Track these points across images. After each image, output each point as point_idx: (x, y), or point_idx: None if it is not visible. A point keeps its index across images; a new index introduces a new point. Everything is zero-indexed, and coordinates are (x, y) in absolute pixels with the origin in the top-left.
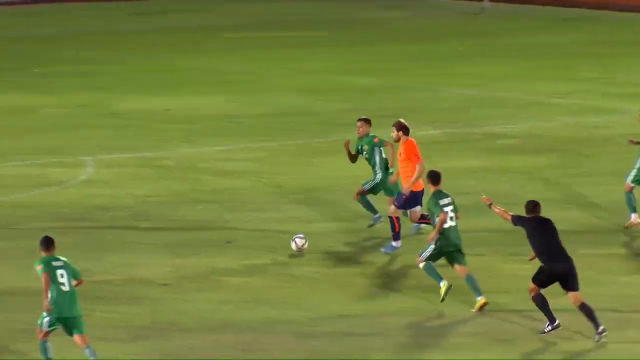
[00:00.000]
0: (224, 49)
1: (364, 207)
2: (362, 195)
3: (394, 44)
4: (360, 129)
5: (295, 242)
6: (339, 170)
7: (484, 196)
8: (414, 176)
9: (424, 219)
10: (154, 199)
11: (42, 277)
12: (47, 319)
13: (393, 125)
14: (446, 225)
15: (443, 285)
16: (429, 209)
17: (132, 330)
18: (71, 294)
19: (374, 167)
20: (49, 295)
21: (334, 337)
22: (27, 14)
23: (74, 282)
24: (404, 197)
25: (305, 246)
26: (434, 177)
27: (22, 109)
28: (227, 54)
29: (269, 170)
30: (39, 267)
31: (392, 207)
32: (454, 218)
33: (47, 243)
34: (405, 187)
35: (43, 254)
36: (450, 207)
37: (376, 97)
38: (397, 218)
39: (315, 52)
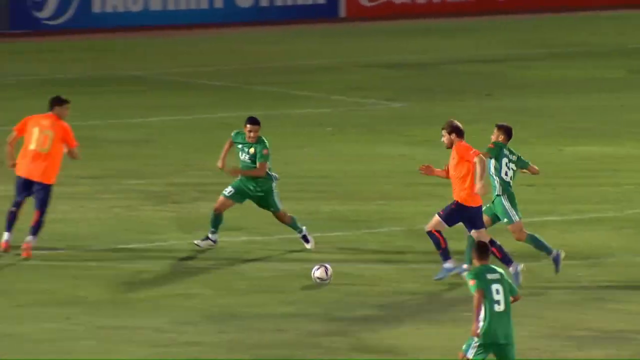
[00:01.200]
0: None
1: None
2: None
3: None
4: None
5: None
6: None
7: None
8: (478, 170)
9: (493, 246)
10: None
11: (475, 295)
12: (475, 344)
13: (443, 128)
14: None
15: None
16: None
17: None
18: (507, 314)
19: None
20: (480, 316)
21: None
22: None
23: (511, 300)
24: (453, 206)
25: (317, 274)
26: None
27: None
28: None
29: None
30: (471, 282)
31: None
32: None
33: (482, 250)
34: (478, 185)
35: (476, 263)
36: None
37: None
38: (439, 232)
39: None
